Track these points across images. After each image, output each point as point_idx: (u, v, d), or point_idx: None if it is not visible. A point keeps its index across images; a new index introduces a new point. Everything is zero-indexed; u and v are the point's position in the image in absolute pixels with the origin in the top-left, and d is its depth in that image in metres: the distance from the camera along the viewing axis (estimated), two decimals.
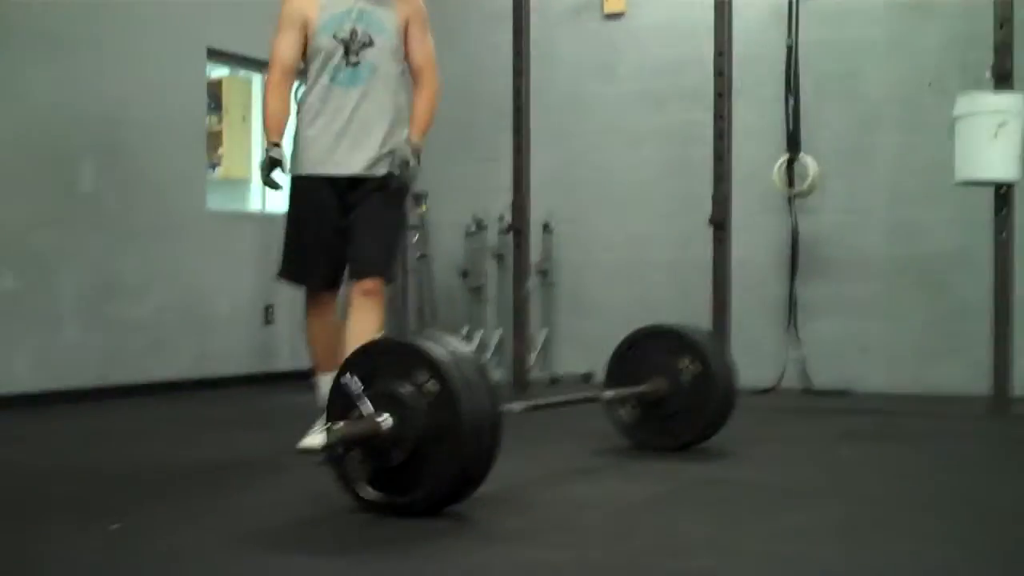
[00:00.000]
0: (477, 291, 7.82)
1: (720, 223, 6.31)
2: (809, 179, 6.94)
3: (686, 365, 4.32)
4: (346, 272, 4.45)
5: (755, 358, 6.68)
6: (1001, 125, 5.48)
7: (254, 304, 7.58)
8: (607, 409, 4.44)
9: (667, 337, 4.42)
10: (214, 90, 7.78)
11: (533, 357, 7.41)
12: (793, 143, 7.01)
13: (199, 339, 7.18)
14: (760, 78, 7.18)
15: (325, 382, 3.99)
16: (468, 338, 7.51)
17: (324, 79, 4.40)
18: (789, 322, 7.06)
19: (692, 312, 6.30)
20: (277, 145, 4.38)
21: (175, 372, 7.00)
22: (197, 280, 7.19)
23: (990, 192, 5.72)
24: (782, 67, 7.08)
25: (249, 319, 7.55)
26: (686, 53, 7.45)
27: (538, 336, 7.66)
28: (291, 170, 4.46)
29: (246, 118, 7.92)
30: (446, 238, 8.16)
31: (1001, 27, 5.66)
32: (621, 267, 7.73)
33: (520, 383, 6.77)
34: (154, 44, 6.97)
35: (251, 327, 7.57)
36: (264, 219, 7.74)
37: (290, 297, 7.74)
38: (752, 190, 7.04)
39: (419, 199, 8.05)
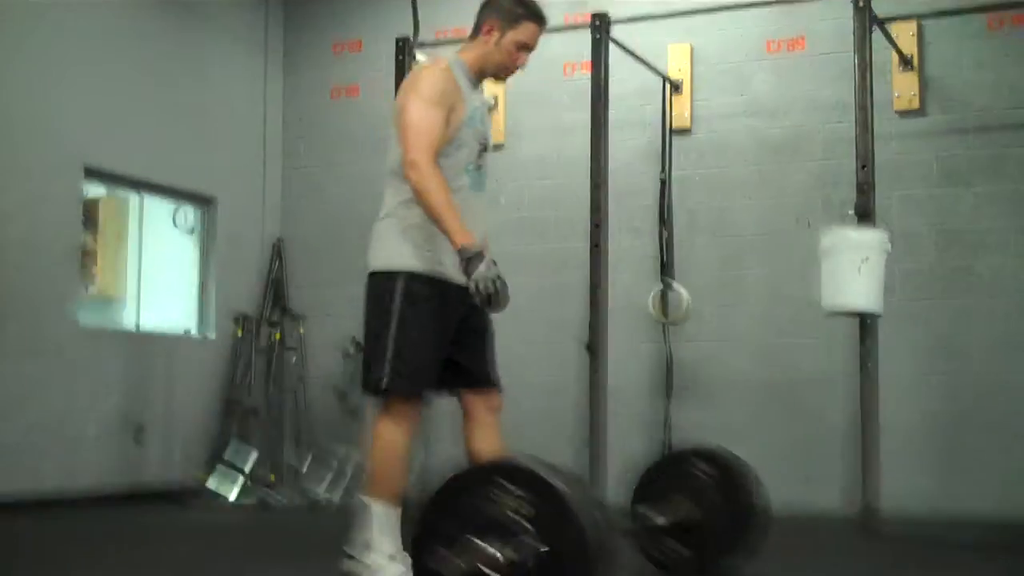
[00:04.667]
0: (354, 412, 7.78)
1: (595, 348, 6.44)
2: (682, 307, 7.16)
3: (721, 491, 4.24)
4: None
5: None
6: (864, 260, 5.75)
7: (124, 424, 7.42)
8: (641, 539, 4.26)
9: (699, 460, 4.34)
10: (90, 208, 7.72)
11: (412, 478, 7.36)
12: (667, 272, 7.24)
13: (68, 457, 6.98)
14: (635, 210, 7.44)
15: (392, 515, 3.66)
16: (345, 458, 7.44)
17: (464, 180, 3.78)
18: (664, 444, 7.20)
19: (569, 434, 6.39)
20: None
21: (43, 490, 6.78)
22: (68, 398, 7.02)
23: (850, 322, 5.96)
24: (656, 200, 7.35)
25: (119, 439, 7.38)
26: (563, 184, 7.69)
27: (415, 457, 7.63)
28: (422, 267, 3.73)
29: (121, 236, 7.86)
30: (324, 359, 8.15)
31: (863, 168, 5.98)
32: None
33: None
34: (31, 160, 6.91)
35: (121, 447, 7.39)
36: (138, 338, 7.63)
37: (162, 416, 7.63)
38: (628, 317, 7.22)
39: (297, 320, 8.05)
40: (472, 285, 3.55)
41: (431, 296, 3.74)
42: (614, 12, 6.59)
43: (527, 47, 3.89)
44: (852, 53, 6.02)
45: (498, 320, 8.35)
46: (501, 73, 3.94)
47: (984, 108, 6.89)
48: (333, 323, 8.13)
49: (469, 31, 3.96)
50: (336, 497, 7.21)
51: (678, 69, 7.62)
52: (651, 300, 7.21)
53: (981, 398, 6.71)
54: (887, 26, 6.43)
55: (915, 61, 7.01)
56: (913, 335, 6.82)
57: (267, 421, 7.85)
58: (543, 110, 7.98)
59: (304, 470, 7.49)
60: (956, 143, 6.91)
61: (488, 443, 3.86)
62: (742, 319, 7.28)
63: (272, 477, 7.79)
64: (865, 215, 5.94)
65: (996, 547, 5.61)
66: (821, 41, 7.24)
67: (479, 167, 3.85)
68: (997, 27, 6.91)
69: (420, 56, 7.00)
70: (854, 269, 5.75)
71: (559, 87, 7.93)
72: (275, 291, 8.51)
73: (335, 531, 6.07)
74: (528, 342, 7.73)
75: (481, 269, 3.54)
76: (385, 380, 3.68)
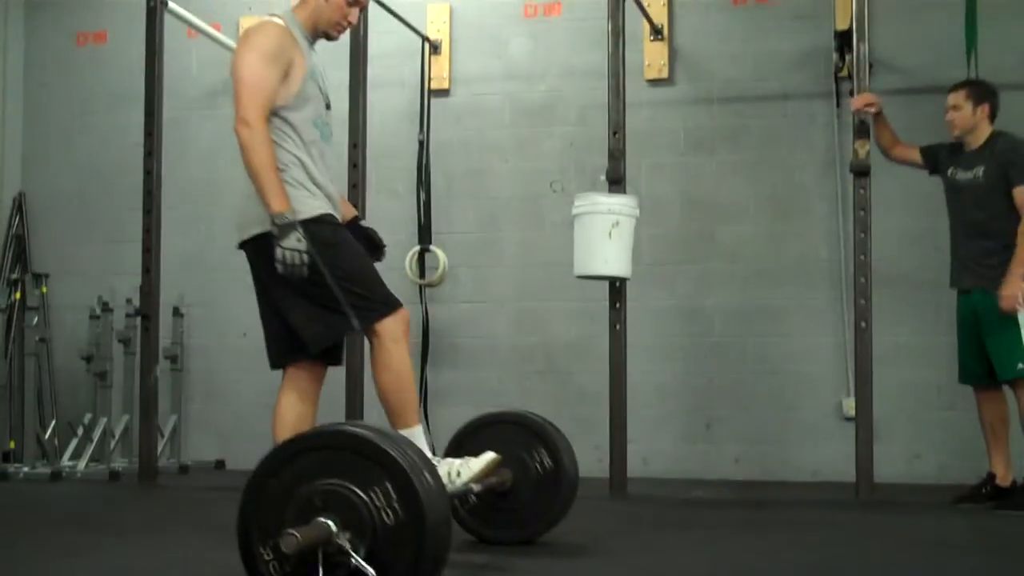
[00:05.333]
0: (102, 376, 7.49)
1: None
2: (439, 270, 7.21)
3: (535, 456, 4.15)
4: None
5: None
6: (615, 225, 5.90)
7: None
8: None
9: (511, 425, 4.25)
10: None
11: (161, 445, 7.18)
12: (424, 235, 7.27)
13: None
14: (393, 171, 7.42)
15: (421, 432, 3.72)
16: (91, 426, 7.17)
17: (315, 133, 3.81)
18: (420, 407, 7.24)
19: (324, 397, 6.34)
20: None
21: None
22: None
23: (602, 285, 6.14)
24: (414, 161, 7.35)
25: None
26: None
27: (167, 423, 7.44)
28: (305, 212, 3.70)
29: None
30: (69, 320, 7.81)
31: (615, 135, 6.14)
32: (253, 353, 7.62)
33: (148, 472, 6.54)
34: None
35: None
36: None
37: None
38: (384, 279, 7.19)
39: (40, 279, 7.70)
40: (279, 253, 3.59)
41: (335, 227, 3.82)
42: None
43: (358, 3, 3.95)
44: (606, 21, 6.16)
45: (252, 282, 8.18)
46: (333, 30, 3.97)
47: (728, 80, 7.18)
48: (78, 282, 7.81)
49: None
50: (81, 466, 6.95)
51: (437, 29, 7.61)
52: (408, 262, 7.23)
53: (720, 361, 7.03)
54: None
55: (665, 31, 7.23)
56: (659, 299, 7.08)
57: (7, 387, 7.47)
58: None
59: (47, 438, 7.16)
60: (702, 113, 7.18)
61: (311, 416, 3.98)
62: (498, 282, 7.38)
63: (12, 444, 7.43)
64: (616, 181, 6.11)
65: (729, 504, 5.89)
66: (577, 7, 7.37)
67: (327, 121, 3.89)
68: (742, 2, 7.19)
69: (172, 3, 6.77)
70: (604, 234, 5.89)
71: (318, 44, 7.77)
72: (16, 248, 8.10)
73: (73, 502, 5.88)
74: None
75: (291, 240, 3.58)
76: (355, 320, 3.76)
